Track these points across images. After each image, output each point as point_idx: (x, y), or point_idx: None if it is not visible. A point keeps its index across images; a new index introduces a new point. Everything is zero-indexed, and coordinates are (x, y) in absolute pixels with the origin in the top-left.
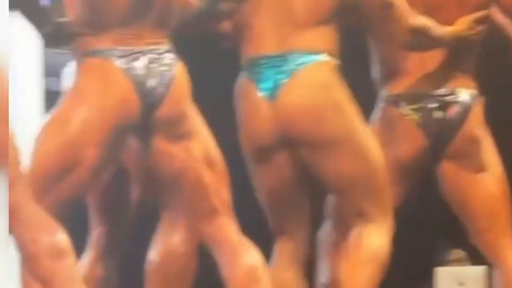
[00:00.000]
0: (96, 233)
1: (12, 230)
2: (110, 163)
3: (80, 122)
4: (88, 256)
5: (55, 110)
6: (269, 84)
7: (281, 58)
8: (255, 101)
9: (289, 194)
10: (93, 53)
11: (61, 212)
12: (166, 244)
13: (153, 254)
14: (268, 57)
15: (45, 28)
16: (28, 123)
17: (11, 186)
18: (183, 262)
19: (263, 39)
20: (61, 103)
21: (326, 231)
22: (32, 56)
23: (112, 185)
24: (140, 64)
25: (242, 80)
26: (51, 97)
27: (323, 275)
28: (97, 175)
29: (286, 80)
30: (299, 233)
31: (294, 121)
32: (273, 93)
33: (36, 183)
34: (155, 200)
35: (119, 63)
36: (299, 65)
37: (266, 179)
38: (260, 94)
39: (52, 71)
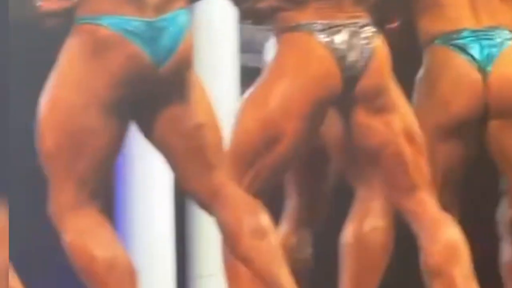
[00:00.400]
0: (292, 203)
1: (214, 210)
2: (311, 138)
3: (281, 96)
4: (283, 226)
5: (255, 85)
6: (482, 56)
7: (487, 32)
8: (464, 72)
9: (463, 171)
10: (294, 28)
11: (262, 189)
12: (363, 219)
13: (350, 229)
14: (473, 31)
15: (244, 5)
16: (226, 100)
17: (214, 168)
18: (381, 237)
19: (461, 14)
20: (262, 78)
21: (503, 210)
22: (229, 33)
23: (311, 158)
24: (341, 37)
25: (439, 51)
26: (248, 73)
27: (505, 254)
28: (298, 150)
29: (500, 53)
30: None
31: (508, 94)
32: (486, 65)
33: (237, 161)
34: (350, 174)
35: (320, 36)
36: (506, 40)
37: (447, 153)
38: (471, 65)
39: (249, 48)
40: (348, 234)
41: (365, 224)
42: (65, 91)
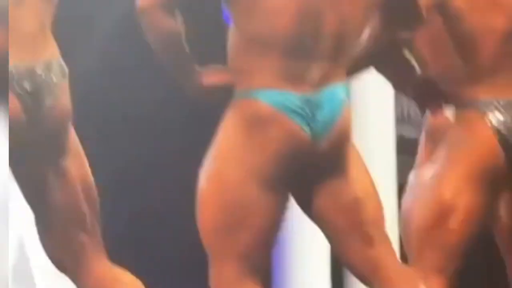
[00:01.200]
0: None
1: (374, 285)
2: (483, 215)
3: (451, 176)
4: None
5: (421, 168)
6: None
7: None
8: None
9: None
10: (470, 105)
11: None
12: None
13: None
14: None
15: (411, 82)
16: (385, 177)
17: (374, 243)
18: None
19: None
20: (435, 160)
21: None
22: (385, 105)
23: None
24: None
25: None
26: (405, 144)
27: None
28: (474, 226)
29: None
30: None
31: None
32: None
33: (429, 244)
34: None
35: (492, 116)
36: None
37: None
38: None
39: (406, 119)
40: None
41: None
42: (224, 166)
